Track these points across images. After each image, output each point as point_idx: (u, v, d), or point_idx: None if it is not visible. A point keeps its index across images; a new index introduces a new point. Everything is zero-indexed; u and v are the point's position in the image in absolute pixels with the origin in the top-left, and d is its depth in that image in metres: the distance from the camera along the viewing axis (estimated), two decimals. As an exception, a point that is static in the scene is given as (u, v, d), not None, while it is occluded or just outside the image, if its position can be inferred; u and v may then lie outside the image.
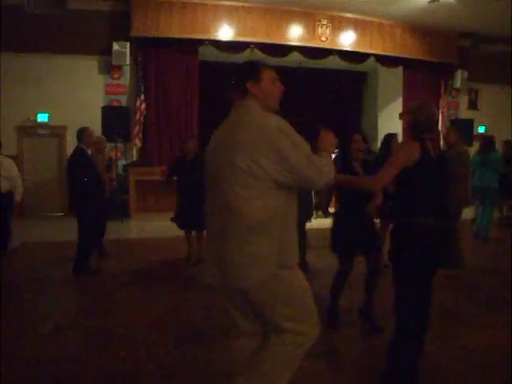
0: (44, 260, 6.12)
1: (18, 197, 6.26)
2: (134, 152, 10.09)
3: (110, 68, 9.86)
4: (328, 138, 2.22)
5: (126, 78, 10.00)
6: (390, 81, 13.06)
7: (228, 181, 1.95)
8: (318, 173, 1.95)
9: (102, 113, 9.18)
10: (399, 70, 12.18)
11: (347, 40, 10.65)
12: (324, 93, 14.80)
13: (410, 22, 11.05)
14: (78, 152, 5.33)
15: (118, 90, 9.95)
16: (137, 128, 9.70)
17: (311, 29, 10.40)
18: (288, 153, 1.89)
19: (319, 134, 2.30)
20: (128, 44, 9.57)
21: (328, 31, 10.45)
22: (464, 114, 12.59)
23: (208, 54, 10.81)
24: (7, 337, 3.48)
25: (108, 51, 9.62)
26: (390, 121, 12.97)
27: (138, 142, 9.83)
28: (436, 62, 11.80)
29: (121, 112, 9.31)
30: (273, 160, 1.89)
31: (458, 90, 12.51)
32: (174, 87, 10.14)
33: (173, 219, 5.94)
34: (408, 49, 11.33)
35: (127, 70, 9.97)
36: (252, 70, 2.12)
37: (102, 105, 9.64)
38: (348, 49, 10.72)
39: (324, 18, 10.39)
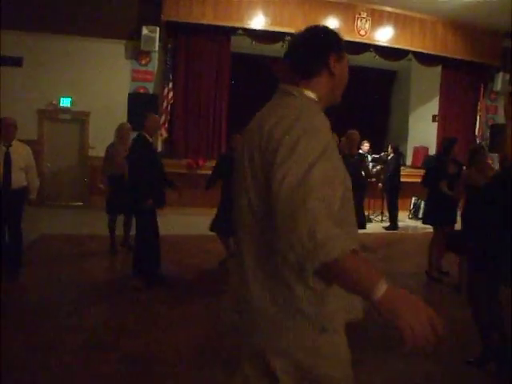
0: (65, 256, 5.67)
1: (33, 194, 5.00)
2: (159, 143, 9.62)
3: (137, 53, 9.38)
4: None
5: (153, 65, 9.52)
6: (424, 80, 12.48)
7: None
8: (309, 238, 1.07)
9: (129, 100, 8.74)
10: (434, 70, 11.59)
11: (386, 35, 10.08)
12: (352, 91, 14.29)
13: (452, 18, 10.46)
14: (140, 141, 4.58)
15: (146, 76, 9.48)
16: (163, 117, 9.22)
17: (350, 22, 9.85)
18: (280, 167, 1.18)
19: None
20: (158, 29, 9.09)
21: (367, 25, 9.90)
22: (502, 119, 11.99)
23: (239, 45, 10.33)
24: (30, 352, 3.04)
25: (136, 36, 9.15)
26: (422, 122, 12.43)
27: (163, 133, 9.36)
28: (477, 63, 11.20)
29: (148, 100, 8.86)
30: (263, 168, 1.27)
31: (497, 94, 11.90)
32: (205, 77, 9.65)
33: (213, 227, 5.23)
34: (449, 47, 10.74)
35: (155, 56, 9.49)
36: (337, 40, 1.45)
37: (127, 91, 9.20)
38: (387, 44, 10.16)
39: (364, 11, 9.84)
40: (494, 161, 11.93)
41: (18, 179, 4.71)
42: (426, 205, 5.24)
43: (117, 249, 5.76)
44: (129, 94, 8.85)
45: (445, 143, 5.58)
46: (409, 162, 12.40)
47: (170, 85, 9.38)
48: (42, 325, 3.53)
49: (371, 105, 14.80)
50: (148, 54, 9.41)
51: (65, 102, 9.18)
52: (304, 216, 1.08)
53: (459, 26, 10.72)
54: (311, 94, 1.40)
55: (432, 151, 11.40)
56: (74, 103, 9.21)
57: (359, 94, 14.48)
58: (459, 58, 10.91)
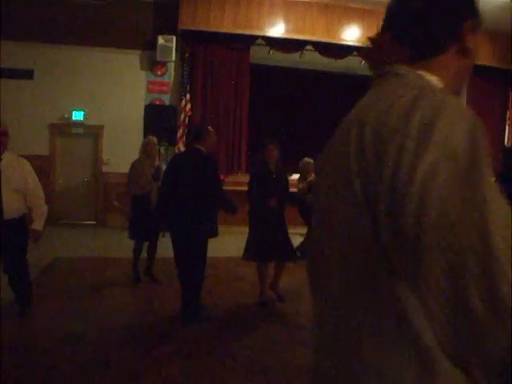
0: (82, 286, 5.11)
1: (38, 224, 3.82)
2: (175, 157, 9.17)
3: (153, 64, 8.97)
4: None
5: (169, 76, 9.10)
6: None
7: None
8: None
9: (145, 112, 8.29)
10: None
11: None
12: (343, 99, 13.95)
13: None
14: (203, 157, 3.88)
15: (161, 88, 9.06)
16: (181, 131, 8.77)
17: (374, 29, 9.32)
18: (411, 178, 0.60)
19: None
20: (174, 38, 8.68)
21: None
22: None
23: (259, 56, 9.93)
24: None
25: (151, 46, 8.74)
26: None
27: (181, 146, 8.89)
28: (503, 70, 10.73)
29: (166, 112, 8.40)
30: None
31: (526, 102, 11.39)
32: (223, 88, 9.21)
33: (248, 255, 4.53)
34: (477, 53, 10.25)
35: (171, 66, 9.07)
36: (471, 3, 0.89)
37: (142, 103, 8.76)
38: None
39: (389, 17, 9.38)
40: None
41: (13, 205, 3.60)
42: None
43: (140, 277, 5.20)
44: (145, 106, 8.41)
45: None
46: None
47: (188, 96, 8.95)
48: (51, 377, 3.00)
49: None
50: (164, 64, 9.00)
51: (77, 116, 8.76)
52: (497, 269, 0.53)
53: (485, 31, 10.26)
54: (434, 80, 0.85)
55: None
56: (87, 116, 8.78)
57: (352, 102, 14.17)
58: (487, 64, 10.43)
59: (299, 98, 12.79)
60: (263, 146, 4.49)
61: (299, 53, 10.56)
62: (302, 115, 12.79)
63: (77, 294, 4.64)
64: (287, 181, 4.72)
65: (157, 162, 5.31)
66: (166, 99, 9.07)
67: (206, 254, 3.96)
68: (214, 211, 4.00)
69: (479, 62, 10.26)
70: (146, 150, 5.18)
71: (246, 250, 4.53)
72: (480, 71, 10.61)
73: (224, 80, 9.19)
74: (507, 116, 11.05)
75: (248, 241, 4.53)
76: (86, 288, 4.89)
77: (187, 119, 8.97)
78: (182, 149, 8.98)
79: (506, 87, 11.03)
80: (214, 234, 4.02)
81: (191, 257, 3.84)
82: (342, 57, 9.75)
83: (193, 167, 3.76)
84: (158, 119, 8.19)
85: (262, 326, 4.01)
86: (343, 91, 13.84)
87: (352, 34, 9.25)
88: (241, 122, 9.37)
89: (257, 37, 9.06)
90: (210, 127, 4.04)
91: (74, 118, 8.74)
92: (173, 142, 8.44)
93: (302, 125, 13.05)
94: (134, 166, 5.12)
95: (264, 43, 9.60)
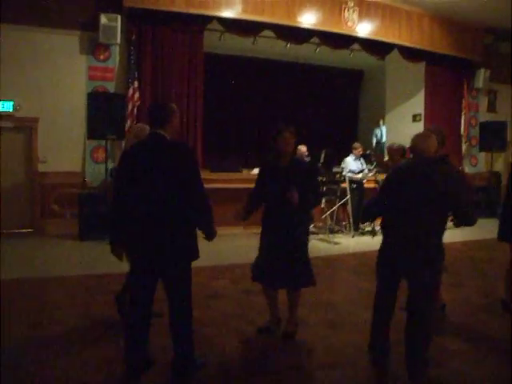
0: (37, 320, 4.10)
1: None
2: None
3: (94, 47, 7.86)
4: None
5: (114, 61, 8.03)
6: (400, 80, 11.80)
7: None
8: None
9: (88, 101, 7.21)
10: (410, 68, 10.95)
11: (374, 27, 9.20)
12: (320, 92, 13.70)
13: (438, 12, 9.79)
14: (173, 145, 2.93)
15: (105, 74, 7.97)
16: (128, 123, 7.76)
17: (337, 12, 8.87)
18: None
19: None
20: (119, 17, 7.63)
21: (355, 16, 8.96)
22: (483, 116, 11.52)
23: (213, 44, 9.14)
24: None
25: (93, 26, 7.65)
26: (400, 122, 11.73)
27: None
28: (460, 59, 10.64)
29: (113, 100, 7.33)
30: None
31: (478, 91, 11.41)
32: (175, 74, 8.27)
33: (257, 277, 3.56)
34: (435, 42, 10.06)
35: (116, 50, 8.01)
36: None
37: (83, 92, 7.65)
38: (375, 37, 9.28)
39: (351, 0, 8.89)
40: (478, 160, 11.43)
41: None
42: (501, 216, 4.23)
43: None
44: (88, 94, 7.31)
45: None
46: (390, 164, 11.66)
47: (136, 84, 7.94)
48: None
49: (338, 107, 14.16)
50: (107, 47, 7.92)
51: (6, 107, 7.48)
52: None
53: (444, 20, 10.09)
54: None
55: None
56: (18, 108, 7.52)
57: (325, 96, 13.85)
58: (445, 53, 10.28)
59: (254, 89, 12.13)
60: (277, 133, 3.43)
61: (252, 39, 9.93)
62: (258, 107, 12.14)
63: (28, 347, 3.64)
64: (313, 177, 3.74)
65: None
66: (111, 87, 8.00)
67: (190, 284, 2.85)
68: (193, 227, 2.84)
69: (436, 50, 10.10)
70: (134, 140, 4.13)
71: (253, 267, 3.59)
72: (437, 61, 10.46)
73: (176, 67, 8.26)
74: (463, 105, 10.97)
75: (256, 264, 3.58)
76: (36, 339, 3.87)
77: (135, 110, 7.98)
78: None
79: (461, 76, 10.96)
80: (195, 255, 2.83)
81: (178, 296, 2.79)
82: (300, 42, 9.16)
83: (162, 163, 2.68)
84: (103, 109, 7.12)
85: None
86: (295, 81, 13.37)
87: (312, 18, 8.65)
88: (195, 112, 8.49)
89: (212, 18, 8.22)
90: (174, 105, 2.93)
91: (1, 110, 7.47)
92: (121, 136, 7.42)
93: (258, 117, 12.42)
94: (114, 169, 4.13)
95: (216, 29, 8.82)
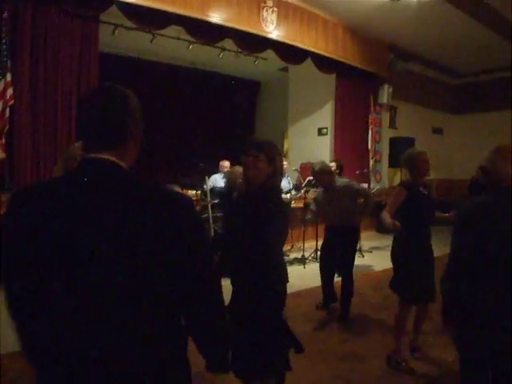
0: None
1: None
2: (-9, 167, 6.12)
3: None
4: None
5: (-24, 45, 6.02)
6: (303, 93, 11.35)
7: None
8: None
9: None
10: (313, 81, 10.59)
11: (292, 32, 8.45)
12: (216, 101, 12.93)
13: (350, 23, 9.44)
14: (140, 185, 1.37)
15: (-37, 62, 5.93)
16: (-3, 130, 5.83)
17: (255, 11, 7.90)
18: None
19: None
20: (-16, -12, 5.72)
21: (274, 17, 8.10)
22: (387, 132, 11.53)
23: (104, 40, 7.59)
24: None
25: None
26: (305, 136, 11.26)
27: (0, 152, 5.93)
28: (368, 73, 10.47)
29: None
30: None
31: (381, 106, 11.39)
32: (62, 66, 6.52)
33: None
34: (348, 53, 9.69)
35: (-20, 31, 6.02)
36: None
37: None
38: (294, 43, 8.52)
39: (271, 0, 8.01)
40: (381, 176, 11.38)
41: None
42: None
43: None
44: None
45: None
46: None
47: (9, 77, 6.02)
48: None
49: (234, 119, 13.52)
50: (-34, 26, 5.90)
51: None
52: None
53: (356, 32, 9.78)
54: None
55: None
56: None
57: (222, 106, 13.03)
58: (356, 65, 9.98)
59: (147, 94, 10.69)
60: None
61: (150, 38, 8.69)
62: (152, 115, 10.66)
63: None
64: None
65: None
66: (-28, 80, 5.97)
67: None
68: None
69: (348, 61, 9.76)
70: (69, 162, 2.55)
71: None
72: (347, 72, 10.13)
73: (64, 59, 6.51)
74: (370, 120, 10.81)
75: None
76: None
77: (7, 111, 6.05)
78: (2, 156, 6.01)
79: (367, 91, 10.80)
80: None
81: None
82: (212, 40, 8.07)
83: (119, 227, 1.20)
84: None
85: None
86: (192, 88, 12.23)
87: (228, 14, 7.56)
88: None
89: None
90: (134, 97, 1.37)
91: None
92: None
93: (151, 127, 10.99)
94: None
95: (110, 22, 7.31)
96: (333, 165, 6.70)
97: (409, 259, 3.64)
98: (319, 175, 5.14)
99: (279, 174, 2.62)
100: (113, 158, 1.28)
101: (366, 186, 8.96)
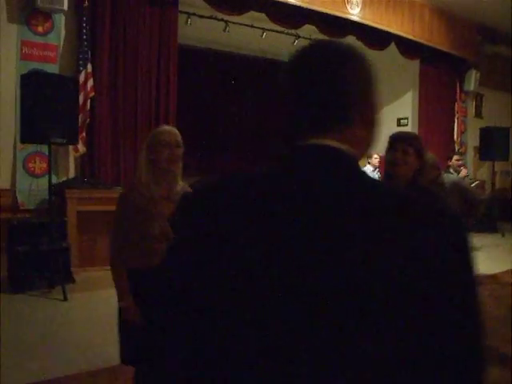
0: None
1: None
2: (71, 162, 5.93)
3: (30, 14, 5.62)
4: None
5: (58, 35, 5.80)
6: (386, 80, 10.60)
7: None
8: None
9: (22, 86, 4.94)
10: (397, 67, 9.80)
11: (378, 15, 7.80)
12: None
13: (440, 2, 8.64)
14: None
15: (45, 53, 5.73)
16: (80, 119, 5.60)
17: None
18: None
19: None
20: (65, -24, 5.50)
21: (359, 1, 7.48)
22: (470, 122, 10.59)
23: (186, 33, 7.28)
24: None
25: (27, -15, 5.45)
26: (383, 127, 10.50)
27: (80, 146, 5.72)
28: (455, 57, 9.59)
29: (61, 85, 5.03)
30: None
31: (466, 94, 10.45)
32: (141, 56, 6.25)
33: None
34: (434, 36, 8.88)
35: (61, 20, 5.81)
36: None
37: (13, 76, 5.42)
38: (381, 27, 7.86)
39: (356, -19, 7.41)
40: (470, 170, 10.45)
41: None
42: None
43: None
44: (22, 76, 5.02)
45: None
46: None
47: (89, 68, 5.80)
48: None
49: None
50: (48, 16, 5.70)
51: None
52: None
53: (444, 13, 8.95)
54: None
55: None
56: None
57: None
58: (443, 49, 9.15)
59: (229, 86, 10.44)
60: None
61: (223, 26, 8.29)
62: (234, 105, 10.35)
63: None
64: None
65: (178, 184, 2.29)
66: (53, 71, 5.76)
67: None
68: None
69: (435, 45, 8.95)
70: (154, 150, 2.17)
71: None
72: (432, 57, 9.32)
73: (143, 49, 6.23)
74: (456, 109, 9.93)
75: None
76: None
77: (88, 104, 5.83)
78: (82, 150, 5.79)
79: (454, 77, 9.91)
80: None
81: None
82: (294, 26, 7.58)
83: (354, 247, 0.68)
84: (44, 100, 4.89)
85: None
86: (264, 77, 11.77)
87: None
88: (167, 108, 6.50)
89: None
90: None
91: None
92: (73, 138, 5.21)
93: (237, 116, 10.66)
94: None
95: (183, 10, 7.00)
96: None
97: None
98: (428, 169, 4.53)
99: (430, 168, 2.39)
100: (345, 147, 0.80)
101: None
